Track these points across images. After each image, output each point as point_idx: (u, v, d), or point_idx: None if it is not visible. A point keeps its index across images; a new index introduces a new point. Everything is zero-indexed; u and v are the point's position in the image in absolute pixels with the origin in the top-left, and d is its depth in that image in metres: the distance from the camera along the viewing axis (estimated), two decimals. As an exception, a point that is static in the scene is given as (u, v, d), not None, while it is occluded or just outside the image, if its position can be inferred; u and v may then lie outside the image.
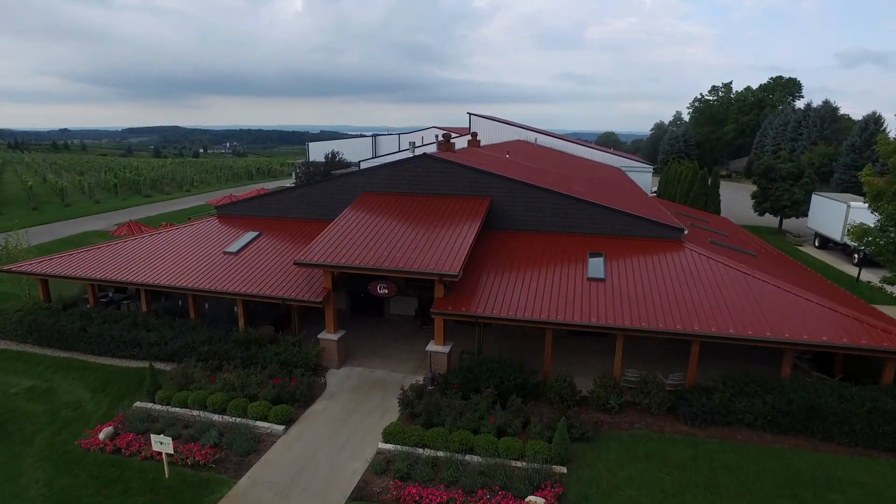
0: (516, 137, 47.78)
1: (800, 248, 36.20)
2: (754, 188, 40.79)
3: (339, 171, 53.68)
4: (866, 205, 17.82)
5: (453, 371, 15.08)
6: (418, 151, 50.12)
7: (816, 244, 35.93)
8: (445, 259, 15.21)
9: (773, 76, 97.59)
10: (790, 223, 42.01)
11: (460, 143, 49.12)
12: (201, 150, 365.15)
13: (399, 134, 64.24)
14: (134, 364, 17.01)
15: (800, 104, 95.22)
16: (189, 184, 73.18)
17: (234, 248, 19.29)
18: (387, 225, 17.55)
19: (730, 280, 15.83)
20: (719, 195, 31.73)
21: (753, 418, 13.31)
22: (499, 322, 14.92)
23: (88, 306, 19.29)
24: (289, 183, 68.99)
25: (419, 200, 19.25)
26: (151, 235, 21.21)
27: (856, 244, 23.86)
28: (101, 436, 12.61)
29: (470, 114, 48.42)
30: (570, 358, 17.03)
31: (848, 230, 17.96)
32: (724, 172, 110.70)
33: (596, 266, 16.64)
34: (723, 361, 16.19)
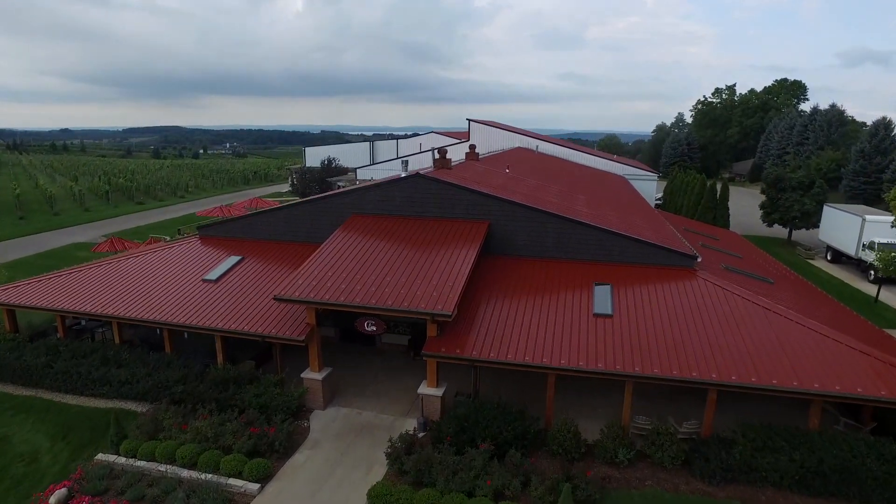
0: (517, 144, 46.48)
1: (811, 261, 34.87)
2: (758, 192, 39.56)
3: (335, 178, 52.43)
4: (884, 218, 16.55)
5: (447, 418, 13.77)
6: (416, 162, 48.84)
7: (828, 258, 34.58)
8: (438, 295, 13.91)
9: (778, 78, 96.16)
10: (800, 234, 40.67)
11: (459, 151, 47.80)
12: (201, 151, 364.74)
13: (397, 139, 62.95)
14: (103, 404, 15.73)
15: (805, 107, 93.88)
16: (184, 189, 71.95)
17: (213, 274, 18.00)
18: (376, 253, 16.24)
19: (749, 316, 14.51)
20: (728, 209, 30.40)
21: (779, 477, 12.00)
22: (497, 366, 13.62)
23: (58, 336, 18.02)
24: (285, 188, 67.66)
25: (412, 224, 17.95)
26: (128, 257, 19.91)
27: (881, 268, 22.68)
28: (53, 500, 11.31)
29: (469, 120, 47.11)
30: (574, 399, 15.73)
31: (876, 257, 16.65)
32: (727, 175, 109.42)
33: (602, 299, 15.33)
34: (741, 404, 14.89)
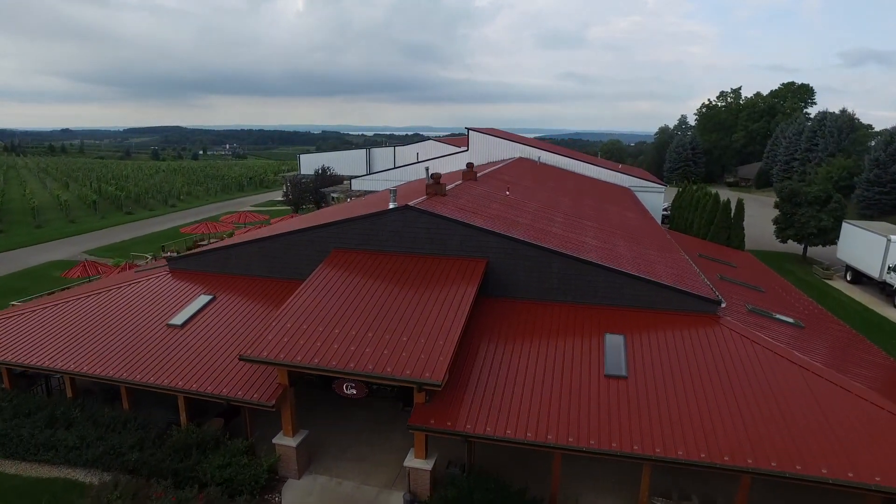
0: (518, 154, 44.59)
1: (829, 281, 32.95)
2: (765, 198, 38.01)
3: (328, 189, 50.54)
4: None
5: (436, 498, 11.90)
6: (413, 172, 46.98)
7: (848, 278, 32.65)
8: (427, 359, 12.03)
9: (785, 81, 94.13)
10: (816, 251, 38.72)
11: (458, 162, 45.80)
12: (201, 152, 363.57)
13: (394, 146, 61.08)
14: (47, 472, 13.85)
15: (813, 111, 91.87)
16: (176, 197, 70.13)
17: (180, 318, 16.12)
18: (358, 299, 14.37)
19: (784, 378, 12.62)
20: (743, 229, 28.53)
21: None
22: (493, 443, 11.73)
23: (2, 387, 16.16)
24: (281, 195, 65.73)
25: (401, 262, 16.07)
26: (89, 294, 18.02)
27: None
28: None
29: (469, 129, 45.22)
30: (583, 469, 13.82)
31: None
32: (731, 179, 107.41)
33: (615, 355, 13.45)
34: (781, 487, 12.98)
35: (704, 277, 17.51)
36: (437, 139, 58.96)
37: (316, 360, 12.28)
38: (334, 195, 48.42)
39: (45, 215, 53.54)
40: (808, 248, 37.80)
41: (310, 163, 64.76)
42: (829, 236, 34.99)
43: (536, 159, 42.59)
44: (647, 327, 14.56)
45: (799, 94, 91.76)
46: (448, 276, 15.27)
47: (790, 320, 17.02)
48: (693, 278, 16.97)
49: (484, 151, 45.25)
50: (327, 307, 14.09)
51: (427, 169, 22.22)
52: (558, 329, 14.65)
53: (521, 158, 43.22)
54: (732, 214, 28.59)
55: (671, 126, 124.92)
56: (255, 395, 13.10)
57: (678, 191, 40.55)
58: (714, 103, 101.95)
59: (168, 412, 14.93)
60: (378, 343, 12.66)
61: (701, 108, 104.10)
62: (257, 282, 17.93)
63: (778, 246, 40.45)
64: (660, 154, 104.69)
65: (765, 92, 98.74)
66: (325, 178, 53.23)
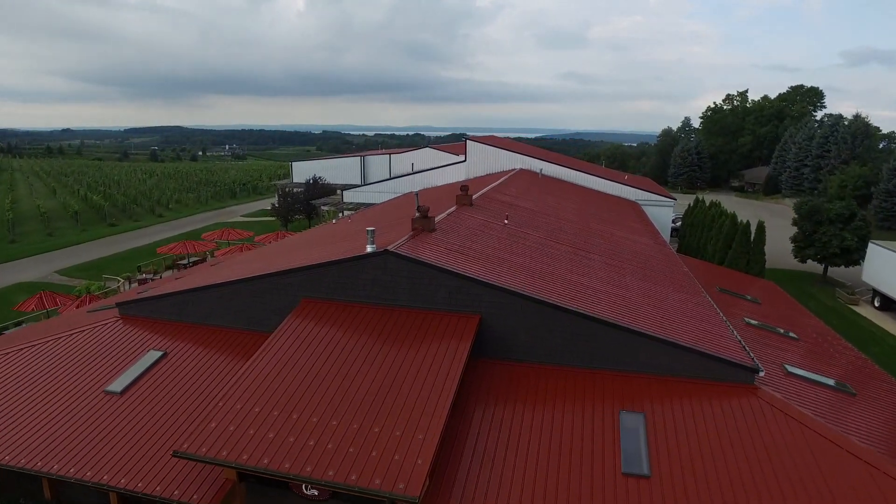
0: (519, 166, 42.17)
1: (854, 307, 30.53)
2: (774, 205, 35.74)
3: (319, 201, 48.18)
4: None
5: None
6: (408, 183, 44.58)
7: (876, 304, 30.23)
8: (401, 461, 9.66)
9: (793, 84, 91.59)
10: (837, 271, 36.28)
11: (456, 173, 43.43)
12: (200, 153, 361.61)
13: (390, 154, 58.73)
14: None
15: (823, 114, 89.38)
16: (165, 206, 67.83)
17: (120, 383, 13.77)
18: (324, 370, 12.00)
19: (844, 476, 10.24)
20: (764, 254, 26.12)
21: None
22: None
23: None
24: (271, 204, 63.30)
25: (378, 317, 13.70)
26: (21, 348, 15.65)
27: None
28: None
29: (466, 138, 42.83)
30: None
31: None
32: (736, 184, 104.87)
33: (633, 444, 11.07)
34: None
35: (733, 330, 15.09)
36: (435, 146, 56.60)
37: (266, 461, 9.90)
38: (325, 208, 46.05)
39: (24, 227, 51.29)
40: (829, 267, 35.39)
41: (302, 171, 62.40)
42: (853, 256, 32.59)
43: (538, 172, 40.17)
44: (669, 402, 12.17)
45: (808, 97, 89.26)
46: (433, 338, 12.90)
47: (838, 385, 14.62)
48: (721, 333, 14.55)
49: (482, 162, 42.85)
50: (287, 381, 11.72)
51: (416, 196, 19.91)
52: (564, 403, 12.28)
53: (521, 171, 40.80)
54: (753, 238, 26.18)
55: (674, 128, 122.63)
56: (194, 496, 10.74)
57: (689, 206, 38.12)
58: (720, 106, 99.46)
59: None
60: (344, 436, 10.29)
61: (706, 111, 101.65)
62: (218, 333, 15.58)
63: (794, 264, 38.02)
64: (664, 158, 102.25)
65: (772, 94, 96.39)
66: (317, 189, 50.88)
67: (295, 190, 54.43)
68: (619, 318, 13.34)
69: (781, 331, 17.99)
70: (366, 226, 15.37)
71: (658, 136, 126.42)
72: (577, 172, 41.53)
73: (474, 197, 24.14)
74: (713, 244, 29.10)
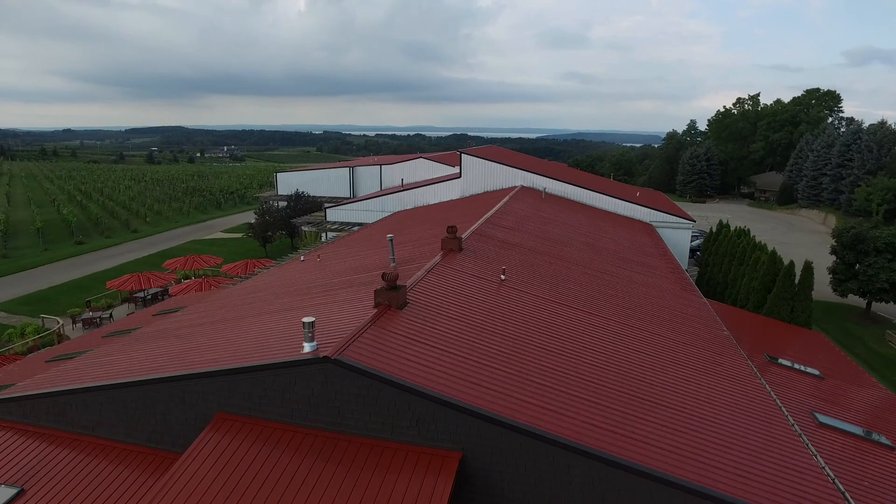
0: (519, 183, 37.95)
1: (910, 355, 26.27)
2: (790, 217, 31.68)
3: (300, 220, 43.93)
4: None
5: None
6: (396, 201, 40.37)
7: (935, 352, 25.96)
8: None
9: (808, 88, 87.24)
10: (882, 306, 32.00)
11: (450, 190, 39.17)
12: (198, 154, 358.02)
13: (381, 164, 54.50)
14: None
15: (836, 118, 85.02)
16: (143, 218, 63.63)
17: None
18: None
19: None
20: (811, 300, 21.83)
21: None
22: None
23: None
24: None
25: (317, 448, 9.49)
26: None
27: None
28: None
29: (461, 153, 38.60)
30: None
31: None
32: (746, 190, 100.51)
33: None
34: None
35: (827, 470, 10.77)
36: (428, 156, 52.41)
37: None
38: (306, 228, 41.85)
39: (-19, 247, 47.11)
40: (872, 302, 31.12)
41: (287, 182, 58.27)
42: (904, 293, 28.34)
43: (542, 192, 35.88)
44: None
45: (824, 101, 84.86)
46: (392, 488, 8.68)
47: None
48: (803, 463, 10.25)
49: (479, 178, 38.63)
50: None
51: (391, 246, 15.75)
52: None
53: (522, 189, 36.55)
54: (798, 281, 21.89)
55: (679, 131, 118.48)
56: None
57: (710, 230, 33.85)
58: (730, 110, 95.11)
59: None
60: None
61: (716, 114, 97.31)
62: (108, 451, 11.37)
63: (827, 292, 33.75)
64: (671, 165, 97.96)
65: (776, 95, 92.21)
66: (300, 205, 46.65)
67: (277, 205, 50.27)
68: (674, 465, 9.05)
69: (864, 431, 13.69)
70: (334, 268, 11.36)
71: (663, 139, 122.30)
72: (584, 191, 37.26)
73: (465, 235, 19.91)
74: (746, 283, 24.76)
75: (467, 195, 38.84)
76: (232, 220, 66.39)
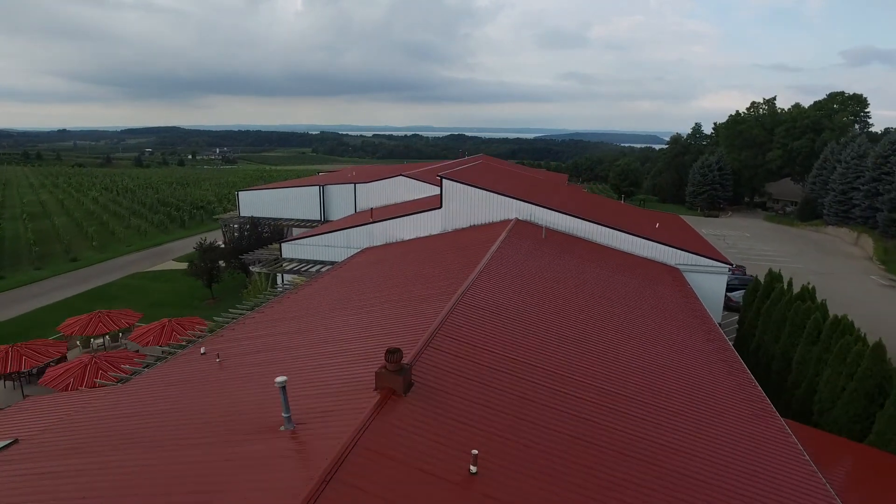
0: (514, 215, 30.82)
1: None
2: (814, 234, 24.86)
3: (250, 257, 36.64)
4: None
5: None
6: (365, 235, 33.30)
7: None
8: None
9: (832, 92, 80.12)
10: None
11: (428, 222, 32.05)
12: (190, 156, 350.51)
13: (354, 184, 47.29)
14: None
15: (865, 126, 78.04)
16: (92, 240, 56.22)
17: None
18: None
19: None
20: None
21: None
22: None
23: None
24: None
25: None
26: None
27: None
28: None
29: (441, 177, 31.39)
30: None
31: None
32: (758, 199, 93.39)
33: None
34: None
35: None
36: (409, 174, 45.22)
37: None
38: (255, 269, 34.61)
39: None
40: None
41: (250, 203, 51.04)
42: None
43: (542, 229, 28.68)
44: None
45: (849, 105, 77.73)
46: None
47: None
48: None
49: (464, 209, 31.49)
50: None
51: (286, 417, 8.54)
52: None
53: (517, 224, 29.41)
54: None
55: (681, 132, 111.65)
56: None
57: (753, 282, 26.69)
58: (743, 115, 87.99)
59: None
60: None
61: (728, 120, 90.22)
62: None
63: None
64: (679, 175, 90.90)
65: (805, 102, 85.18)
66: (255, 235, 39.41)
67: (231, 233, 42.98)
68: None
69: None
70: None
71: (667, 143, 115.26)
72: (594, 226, 30.12)
73: (422, 344, 12.68)
74: (829, 379, 17.50)
75: (450, 230, 31.70)
76: (195, 241, 59.04)
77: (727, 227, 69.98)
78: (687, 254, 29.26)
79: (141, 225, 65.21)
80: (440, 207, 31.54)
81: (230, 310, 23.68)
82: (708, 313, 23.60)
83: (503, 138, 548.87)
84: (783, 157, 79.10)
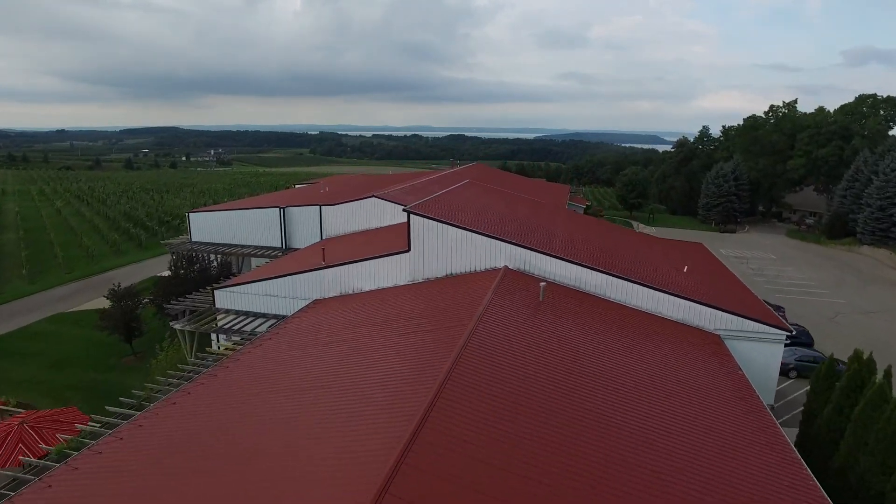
0: (503, 261, 23.69)
1: None
2: (846, 255, 17.82)
3: (183, 303, 29.59)
4: None
5: None
6: (311, 283, 26.39)
7: None
8: None
9: (861, 94, 72.87)
10: None
11: (396, 269, 25.46)
12: (183, 159, 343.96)
13: (320, 206, 40.16)
14: None
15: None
16: (22, 266, 49.13)
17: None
18: None
19: None
20: None
21: None
22: None
23: None
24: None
25: None
26: None
27: None
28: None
29: (409, 212, 24.18)
30: None
31: None
32: (774, 209, 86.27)
33: None
34: None
35: None
36: (384, 196, 38.07)
37: None
38: (179, 326, 27.41)
39: None
40: None
41: (203, 226, 43.98)
42: None
43: (539, 288, 21.43)
44: None
45: (882, 109, 70.35)
46: None
47: None
48: None
49: (439, 253, 24.33)
50: None
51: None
52: None
53: (506, 275, 22.30)
54: None
55: (680, 132, 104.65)
56: None
57: (824, 364, 19.51)
58: (761, 119, 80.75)
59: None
60: None
61: (744, 124, 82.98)
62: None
63: None
64: (691, 185, 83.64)
65: (806, 101, 78.03)
66: (190, 276, 32.29)
67: (180, 261, 35.88)
68: None
69: None
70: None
71: (669, 143, 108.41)
72: (607, 277, 22.97)
73: None
74: None
75: (419, 279, 24.59)
76: (147, 267, 52.02)
77: (747, 246, 62.79)
78: (730, 316, 22.14)
79: (92, 245, 58.11)
80: (408, 251, 24.42)
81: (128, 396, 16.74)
82: (761, 402, 16.88)
83: (503, 139, 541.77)
84: (806, 165, 71.91)
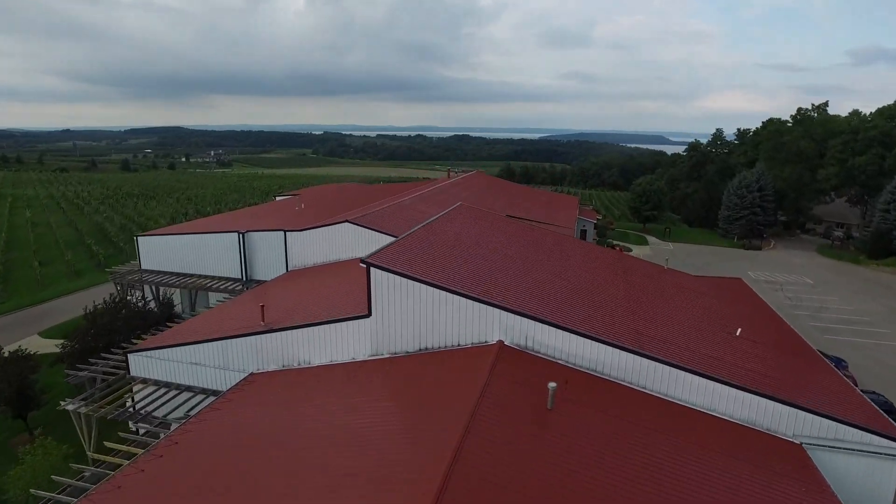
0: (497, 335, 17.22)
1: None
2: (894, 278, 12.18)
3: (96, 367, 23.23)
4: None
5: None
6: (244, 354, 19.97)
7: None
8: None
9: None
10: None
11: (355, 339, 18.98)
12: (183, 160, 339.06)
13: (285, 231, 33.82)
14: None
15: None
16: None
17: None
18: None
19: None
20: None
21: None
22: None
23: None
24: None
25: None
26: None
27: None
28: None
29: (367, 264, 17.82)
30: None
31: None
32: (805, 224, 79.56)
33: None
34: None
35: None
36: (358, 222, 31.76)
37: None
38: (68, 406, 21.01)
39: None
40: None
41: (153, 252, 37.79)
42: None
43: (548, 394, 14.98)
44: None
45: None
46: None
47: None
48: None
49: (409, 320, 17.89)
50: None
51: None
52: None
53: (503, 356, 15.90)
54: None
55: (681, 131, 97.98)
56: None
57: None
58: (786, 123, 73.98)
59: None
60: None
61: (767, 128, 76.24)
62: None
63: None
64: (710, 196, 76.82)
65: (806, 101, 71.24)
66: (116, 329, 25.95)
67: (130, 295, 29.50)
68: None
69: None
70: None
71: (685, 151, 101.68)
72: (641, 360, 16.53)
73: None
74: None
75: (385, 354, 18.20)
76: (98, 295, 45.84)
77: (777, 267, 56.05)
78: (820, 419, 15.66)
79: (46, 266, 52.01)
80: (368, 315, 18.03)
81: None
82: None
83: (507, 139, 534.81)
84: (839, 175, 65.13)
